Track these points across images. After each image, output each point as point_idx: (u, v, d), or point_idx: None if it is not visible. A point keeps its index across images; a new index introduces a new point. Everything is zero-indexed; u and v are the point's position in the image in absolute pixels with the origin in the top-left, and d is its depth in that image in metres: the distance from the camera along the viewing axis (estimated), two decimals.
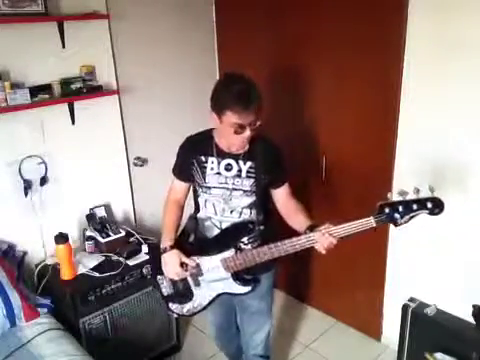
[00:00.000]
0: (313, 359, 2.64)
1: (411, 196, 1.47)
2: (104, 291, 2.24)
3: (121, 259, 2.38)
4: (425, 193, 1.48)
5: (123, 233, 2.53)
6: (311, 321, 2.96)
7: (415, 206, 1.47)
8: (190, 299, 1.82)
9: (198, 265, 1.75)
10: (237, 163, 1.74)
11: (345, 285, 2.80)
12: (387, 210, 1.48)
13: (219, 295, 1.80)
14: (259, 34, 2.77)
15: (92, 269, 2.30)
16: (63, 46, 2.33)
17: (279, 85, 2.76)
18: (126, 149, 2.78)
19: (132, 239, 2.56)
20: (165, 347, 2.62)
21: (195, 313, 1.86)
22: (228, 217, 1.78)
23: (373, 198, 2.45)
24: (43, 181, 2.39)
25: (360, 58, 2.31)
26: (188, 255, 1.75)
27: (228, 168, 1.75)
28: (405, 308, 2.29)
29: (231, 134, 1.62)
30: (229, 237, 1.76)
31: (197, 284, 1.80)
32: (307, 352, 2.70)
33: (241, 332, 2.12)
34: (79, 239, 2.57)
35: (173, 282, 1.82)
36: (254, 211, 1.78)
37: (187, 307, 1.84)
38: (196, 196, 1.85)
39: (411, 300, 2.32)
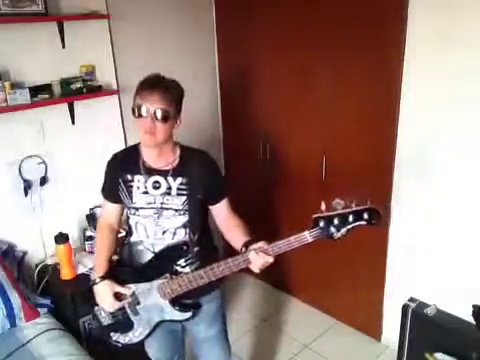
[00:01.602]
0: (313, 359, 2.64)
1: (344, 208, 1.37)
2: None
3: None
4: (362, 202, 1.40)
5: (123, 233, 2.52)
6: (311, 321, 2.95)
7: (351, 218, 1.36)
8: (130, 328, 1.69)
9: (134, 293, 1.63)
10: (166, 180, 1.59)
11: (345, 285, 2.80)
12: (321, 224, 1.38)
13: (160, 322, 1.67)
14: (259, 34, 2.77)
15: (92, 269, 2.30)
16: (63, 46, 2.33)
17: (279, 85, 2.77)
18: None
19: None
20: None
21: (139, 342, 1.72)
22: (160, 239, 1.63)
23: (373, 198, 2.46)
24: (43, 181, 2.39)
25: (360, 58, 2.31)
26: (124, 283, 1.63)
27: (156, 186, 1.60)
28: (405, 308, 2.29)
29: (145, 133, 1.48)
30: (163, 261, 1.62)
31: (135, 313, 1.66)
32: (307, 352, 2.70)
33: None
34: (79, 239, 2.57)
35: (111, 312, 1.68)
36: (188, 231, 1.62)
37: (129, 336, 1.71)
38: (127, 218, 1.71)
39: (411, 300, 2.32)
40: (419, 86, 2.13)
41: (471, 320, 2.11)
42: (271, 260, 1.43)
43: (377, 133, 2.36)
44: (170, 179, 1.59)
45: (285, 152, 2.85)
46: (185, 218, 1.61)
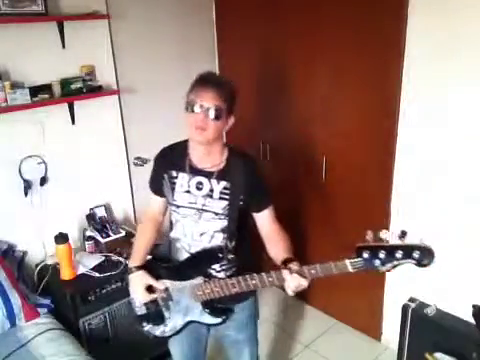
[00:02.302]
0: (313, 359, 2.64)
1: (395, 239, 1.25)
2: (104, 291, 2.24)
3: (121, 259, 2.38)
4: (413, 238, 1.29)
5: (123, 233, 2.53)
6: (311, 321, 2.96)
7: (399, 254, 1.26)
8: (162, 322, 1.67)
9: (167, 289, 1.61)
10: (209, 182, 1.56)
11: (345, 285, 2.80)
12: (366, 255, 1.27)
13: (190, 322, 1.65)
14: (259, 34, 2.77)
15: (92, 269, 2.30)
16: (63, 46, 2.33)
17: (279, 85, 2.76)
18: (126, 149, 2.78)
19: (132, 239, 2.55)
20: (165, 347, 2.60)
21: (169, 337, 1.71)
22: (197, 241, 1.60)
23: (373, 198, 2.47)
24: (43, 181, 2.39)
25: (360, 58, 2.31)
26: (159, 278, 1.61)
27: (199, 187, 1.57)
28: (405, 308, 2.29)
29: (196, 129, 1.47)
30: (198, 263, 1.59)
31: (168, 308, 1.64)
32: (307, 352, 2.70)
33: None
34: (79, 239, 2.57)
35: (145, 303, 1.67)
36: (226, 236, 1.58)
37: (160, 329, 1.69)
38: (170, 214, 1.70)
39: (411, 300, 2.32)
40: (419, 86, 2.12)
41: (471, 320, 2.11)
42: (305, 284, 1.34)
43: (377, 133, 2.36)
44: (214, 182, 1.56)
45: (285, 153, 2.85)
46: (224, 223, 1.57)
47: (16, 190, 2.32)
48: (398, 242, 1.25)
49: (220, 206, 1.56)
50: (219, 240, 1.59)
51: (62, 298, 2.18)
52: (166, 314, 1.65)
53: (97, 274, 2.27)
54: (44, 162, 2.39)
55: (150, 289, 1.62)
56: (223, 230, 1.58)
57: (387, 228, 2.44)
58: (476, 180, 2.05)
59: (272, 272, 1.40)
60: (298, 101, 2.70)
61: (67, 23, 2.29)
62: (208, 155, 1.56)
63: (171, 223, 1.69)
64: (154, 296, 1.62)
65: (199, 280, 1.55)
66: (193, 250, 1.62)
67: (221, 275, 1.59)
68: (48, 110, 2.31)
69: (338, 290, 2.86)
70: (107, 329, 2.29)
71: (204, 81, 1.49)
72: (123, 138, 2.74)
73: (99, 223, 2.54)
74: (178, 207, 1.61)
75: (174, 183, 1.61)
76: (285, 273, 1.35)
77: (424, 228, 2.29)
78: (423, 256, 1.27)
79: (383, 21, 2.17)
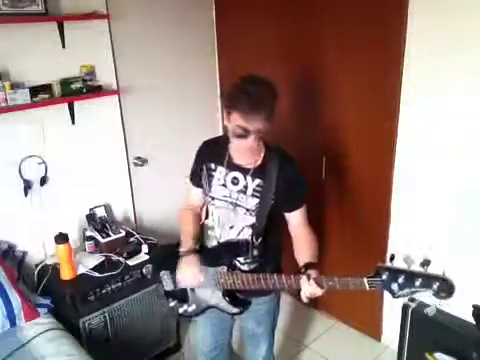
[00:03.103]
0: (313, 359, 2.64)
1: (416, 265, 1.25)
2: (104, 291, 2.24)
3: (121, 259, 2.38)
4: (436, 268, 1.28)
5: (123, 233, 2.53)
6: (311, 321, 2.96)
7: (418, 282, 1.23)
8: (186, 302, 1.76)
9: None
10: (245, 178, 1.61)
11: None
12: (384, 277, 1.28)
13: (210, 307, 1.72)
14: (259, 34, 2.77)
15: (92, 269, 2.30)
16: (63, 46, 2.33)
17: (279, 85, 2.76)
18: (126, 149, 2.78)
19: (132, 239, 2.56)
20: (165, 347, 2.62)
21: (190, 316, 1.80)
22: (227, 232, 1.68)
23: (372, 198, 2.47)
24: (43, 181, 2.39)
25: (360, 58, 2.31)
26: None
27: (234, 182, 1.63)
28: (405, 308, 2.29)
29: (234, 137, 1.51)
30: (225, 253, 1.66)
31: (192, 290, 1.73)
32: (307, 352, 2.70)
33: (245, 352, 2.05)
34: (79, 239, 2.56)
35: (173, 279, 1.75)
36: (253, 232, 1.64)
37: (184, 308, 1.77)
38: (207, 202, 1.77)
39: (411, 300, 2.32)
40: (419, 86, 2.12)
41: (471, 320, 2.11)
42: (319, 293, 1.40)
43: (377, 133, 2.36)
44: (249, 178, 1.61)
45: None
46: (253, 219, 1.62)
47: (16, 190, 2.32)
48: (419, 269, 1.24)
49: (252, 203, 1.61)
50: (247, 235, 1.64)
51: (62, 298, 2.18)
52: (190, 295, 1.73)
53: (97, 274, 2.26)
54: (44, 162, 2.39)
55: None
56: (252, 226, 1.63)
57: (387, 235, 2.45)
58: (477, 180, 2.04)
59: (292, 276, 1.44)
60: (298, 101, 2.69)
61: (67, 23, 2.28)
62: (244, 153, 1.58)
63: (207, 211, 1.76)
64: (199, 284, 1.66)
65: (223, 269, 1.61)
66: (222, 240, 1.69)
67: (245, 268, 1.65)
68: (48, 110, 2.31)
69: (338, 290, 2.86)
70: (107, 329, 2.29)
71: (254, 105, 1.44)
72: (123, 138, 2.74)
73: (99, 223, 2.54)
74: (213, 199, 1.68)
75: (212, 175, 1.67)
76: (304, 280, 1.41)
77: (424, 227, 2.30)
78: (442, 289, 1.23)
79: (383, 21, 2.17)
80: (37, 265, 2.40)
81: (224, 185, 1.64)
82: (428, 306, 2.25)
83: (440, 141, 2.12)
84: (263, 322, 1.85)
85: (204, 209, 1.80)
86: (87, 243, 2.47)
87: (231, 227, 1.66)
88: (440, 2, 1.96)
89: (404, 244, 2.42)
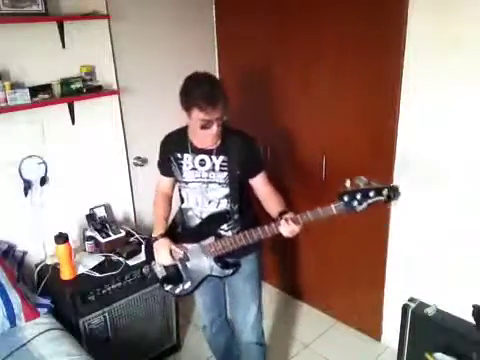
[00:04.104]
0: (313, 359, 2.64)
1: (365, 183, 1.56)
2: (104, 291, 2.24)
3: (121, 259, 2.38)
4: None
5: (123, 233, 2.53)
6: (311, 321, 2.96)
7: (372, 193, 1.53)
8: (181, 282, 1.95)
9: (185, 252, 1.88)
10: (210, 158, 1.83)
11: (345, 285, 2.80)
12: (346, 198, 1.56)
13: (205, 278, 1.92)
14: (259, 34, 2.77)
15: (92, 269, 2.30)
16: (63, 46, 2.33)
17: (279, 85, 2.77)
18: (126, 149, 2.78)
19: (132, 239, 2.56)
20: (165, 347, 2.62)
21: (188, 293, 1.98)
22: (207, 207, 1.90)
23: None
24: (43, 181, 2.39)
25: (360, 58, 2.31)
26: (177, 243, 1.89)
27: (202, 163, 1.85)
28: (405, 308, 2.30)
29: (198, 129, 1.72)
30: (209, 226, 1.89)
31: (185, 267, 1.92)
32: (307, 352, 2.70)
33: (233, 320, 2.18)
34: (79, 239, 2.56)
35: (164, 267, 1.94)
36: (230, 201, 1.88)
37: (179, 288, 1.96)
38: (179, 189, 1.98)
39: (411, 300, 2.33)
40: (419, 86, 2.12)
41: (471, 320, 2.12)
42: (297, 229, 1.64)
43: (377, 133, 2.36)
44: (214, 157, 1.83)
45: (285, 153, 2.85)
46: (227, 190, 1.86)
47: (16, 190, 2.32)
48: (371, 185, 1.54)
49: (221, 177, 1.84)
50: (224, 205, 1.88)
51: (62, 298, 2.18)
52: (184, 274, 1.93)
53: (97, 274, 2.26)
54: (44, 162, 2.39)
55: (171, 253, 1.89)
56: (226, 196, 1.87)
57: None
58: (477, 181, 2.05)
59: (272, 223, 1.69)
60: (298, 101, 2.70)
61: (67, 23, 2.28)
62: (213, 141, 1.79)
63: (181, 197, 1.97)
64: (176, 258, 1.89)
65: (211, 239, 1.84)
66: (204, 215, 1.91)
67: (229, 234, 1.88)
68: (48, 110, 2.31)
69: (338, 290, 2.86)
70: (107, 329, 2.29)
71: (211, 99, 1.66)
72: (123, 138, 2.74)
73: (99, 223, 2.54)
74: (187, 183, 1.90)
75: (181, 163, 1.89)
76: (283, 223, 1.65)
77: (424, 228, 2.30)
78: (391, 193, 1.54)
79: (383, 21, 2.17)
80: (37, 265, 2.40)
81: (194, 168, 1.87)
82: (428, 306, 2.25)
83: (440, 140, 2.12)
84: (250, 280, 2.03)
85: (178, 195, 1.99)
86: (87, 243, 2.47)
87: (209, 202, 1.89)
88: (440, 2, 1.96)
89: (404, 243, 2.42)
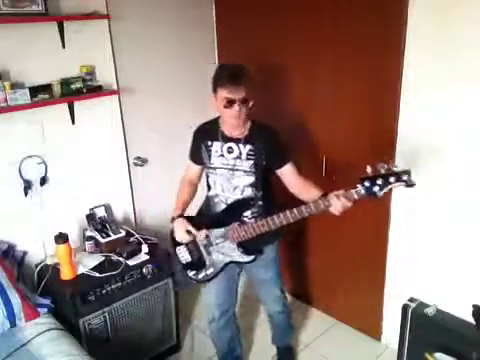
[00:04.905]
0: (313, 359, 2.64)
1: (387, 171, 1.61)
2: (104, 291, 2.24)
3: (121, 259, 2.38)
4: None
5: (123, 233, 2.53)
6: (311, 321, 2.96)
7: (393, 179, 1.59)
8: (203, 267, 2.06)
9: (208, 236, 2.00)
10: (237, 146, 1.96)
11: (345, 285, 2.80)
12: (367, 184, 1.63)
13: (227, 263, 2.03)
14: (259, 34, 2.77)
15: (92, 269, 2.30)
16: (63, 46, 2.33)
17: (279, 84, 2.76)
18: (126, 149, 2.78)
19: (132, 239, 2.56)
20: (165, 347, 2.62)
21: (209, 279, 2.09)
22: (232, 194, 2.01)
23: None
24: (43, 181, 2.39)
25: (360, 58, 2.31)
26: (202, 228, 2.00)
27: (230, 151, 1.98)
28: (405, 308, 2.30)
29: (223, 109, 1.86)
30: (234, 212, 2.00)
31: (209, 253, 2.03)
32: (307, 352, 2.70)
33: (260, 301, 2.44)
34: (79, 239, 2.57)
35: (189, 252, 2.07)
36: (254, 189, 1.99)
37: (202, 274, 2.07)
38: (207, 177, 2.10)
39: (411, 300, 2.33)
40: (419, 86, 2.12)
41: (471, 320, 2.12)
42: (349, 204, 1.71)
43: (377, 132, 2.36)
44: (241, 146, 1.96)
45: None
46: (252, 178, 1.97)
47: (16, 190, 2.32)
48: (392, 170, 1.60)
49: (247, 165, 1.96)
50: (249, 192, 1.99)
51: (62, 298, 2.18)
52: (207, 260, 2.05)
53: (97, 274, 2.26)
54: (44, 162, 2.39)
55: (188, 233, 2.01)
56: (251, 184, 1.98)
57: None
58: (477, 180, 2.05)
59: (318, 200, 1.76)
60: (298, 100, 2.70)
61: (67, 23, 2.28)
62: (235, 127, 1.95)
63: (208, 185, 2.09)
64: (191, 237, 2.01)
65: (235, 225, 1.95)
66: (229, 202, 2.03)
67: (252, 221, 1.98)
68: (48, 110, 2.31)
69: (338, 290, 2.86)
70: (107, 329, 2.29)
71: (234, 79, 1.82)
72: (123, 138, 2.74)
73: (99, 223, 2.54)
74: (215, 169, 2.02)
75: (210, 150, 2.02)
76: (333, 198, 1.71)
77: (424, 228, 2.30)
78: (410, 178, 1.61)
79: (383, 21, 2.17)
80: (37, 265, 2.40)
81: (222, 155, 1.99)
82: (428, 306, 2.25)
83: (440, 140, 2.12)
84: (270, 267, 2.18)
85: (205, 182, 2.13)
86: (87, 243, 2.47)
87: (234, 189, 2.00)
88: (440, 2, 1.96)
89: (404, 243, 2.42)
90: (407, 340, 2.32)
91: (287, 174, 1.99)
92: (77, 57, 2.41)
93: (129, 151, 2.80)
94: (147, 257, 2.41)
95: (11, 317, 2.04)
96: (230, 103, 1.82)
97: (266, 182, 2.02)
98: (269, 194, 2.06)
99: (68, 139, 2.48)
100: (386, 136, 2.31)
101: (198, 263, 2.06)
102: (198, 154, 2.07)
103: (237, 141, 1.96)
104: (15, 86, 2.14)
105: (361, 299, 2.72)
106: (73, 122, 2.47)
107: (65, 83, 2.32)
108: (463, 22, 1.91)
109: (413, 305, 2.28)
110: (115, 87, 2.60)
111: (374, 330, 2.72)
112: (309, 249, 2.93)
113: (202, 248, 2.04)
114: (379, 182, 1.60)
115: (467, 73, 1.95)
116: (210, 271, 2.06)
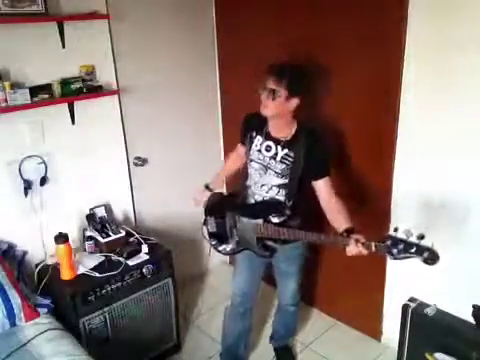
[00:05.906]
0: (313, 359, 2.64)
1: (413, 238, 1.59)
2: (104, 291, 2.24)
3: (121, 259, 2.38)
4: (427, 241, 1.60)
5: (123, 233, 2.53)
6: (311, 321, 2.96)
7: (413, 250, 1.59)
8: (226, 242, 2.19)
9: (234, 218, 2.11)
10: (276, 147, 2.01)
11: (345, 285, 2.80)
12: (388, 242, 1.63)
13: (245, 249, 2.13)
14: (259, 34, 2.77)
15: (92, 269, 2.30)
16: (63, 46, 2.33)
17: None
18: (126, 149, 2.78)
19: (132, 239, 2.56)
20: (165, 347, 2.62)
21: (228, 254, 2.32)
22: (259, 190, 2.09)
23: (372, 196, 2.47)
24: (43, 181, 2.39)
25: (360, 58, 2.31)
26: (230, 210, 2.15)
27: (267, 149, 2.03)
28: (405, 308, 2.30)
29: (263, 96, 1.92)
30: (262, 209, 2.06)
31: (231, 233, 2.15)
32: (307, 352, 2.70)
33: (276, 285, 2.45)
34: (79, 239, 2.56)
35: (216, 224, 2.21)
36: (282, 192, 2.03)
37: (223, 247, 2.21)
38: (248, 166, 2.16)
39: (411, 300, 2.32)
40: (419, 86, 2.12)
41: (471, 320, 2.11)
42: (365, 252, 1.71)
43: (377, 133, 2.36)
44: (279, 148, 2.00)
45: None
46: (282, 181, 2.01)
47: (16, 190, 2.32)
48: (416, 241, 1.59)
49: (280, 167, 2.00)
50: (274, 193, 2.04)
51: (62, 298, 2.18)
52: (229, 238, 2.17)
53: (97, 274, 2.26)
54: (44, 162, 2.39)
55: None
56: (279, 186, 2.02)
57: (389, 223, 2.45)
58: (477, 179, 2.05)
59: (337, 236, 1.81)
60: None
61: (67, 23, 2.28)
62: (278, 127, 2.00)
63: (246, 173, 2.17)
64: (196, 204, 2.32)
65: (259, 221, 2.00)
66: (256, 197, 2.11)
67: (276, 220, 2.02)
68: (48, 110, 2.31)
69: (338, 290, 2.86)
70: (107, 329, 2.29)
71: (270, 69, 1.90)
72: (123, 138, 2.74)
73: (99, 223, 2.54)
74: (251, 161, 2.10)
75: (252, 141, 2.09)
76: (352, 243, 1.72)
77: (424, 226, 2.30)
78: (430, 257, 1.59)
79: (383, 21, 2.17)
80: (37, 265, 2.40)
81: (259, 150, 2.06)
82: (428, 306, 2.25)
83: (440, 140, 2.12)
84: (294, 263, 2.25)
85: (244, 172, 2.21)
86: (87, 243, 2.47)
87: (262, 186, 2.06)
88: (440, 2, 1.96)
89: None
90: (407, 340, 2.32)
91: (320, 189, 1.98)
92: (77, 57, 2.41)
93: (129, 151, 2.80)
94: (147, 257, 2.40)
95: (11, 317, 2.04)
96: (264, 90, 1.90)
97: (300, 194, 2.02)
98: (300, 207, 2.05)
99: (68, 139, 2.48)
100: (386, 136, 2.31)
101: (221, 236, 2.20)
102: (244, 139, 2.15)
103: (277, 142, 2.00)
104: (15, 86, 2.14)
105: (361, 299, 2.72)
106: (73, 122, 2.47)
107: (65, 83, 2.32)
108: (463, 22, 1.91)
109: (413, 305, 2.28)
110: (115, 87, 2.60)
111: (374, 330, 2.72)
112: (309, 249, 2.93)
113: (227, 226, 2.16)
114: (400, 247, 1.61)
115: (467, 73, 1.95)
116: (229, 248, 2.18)
